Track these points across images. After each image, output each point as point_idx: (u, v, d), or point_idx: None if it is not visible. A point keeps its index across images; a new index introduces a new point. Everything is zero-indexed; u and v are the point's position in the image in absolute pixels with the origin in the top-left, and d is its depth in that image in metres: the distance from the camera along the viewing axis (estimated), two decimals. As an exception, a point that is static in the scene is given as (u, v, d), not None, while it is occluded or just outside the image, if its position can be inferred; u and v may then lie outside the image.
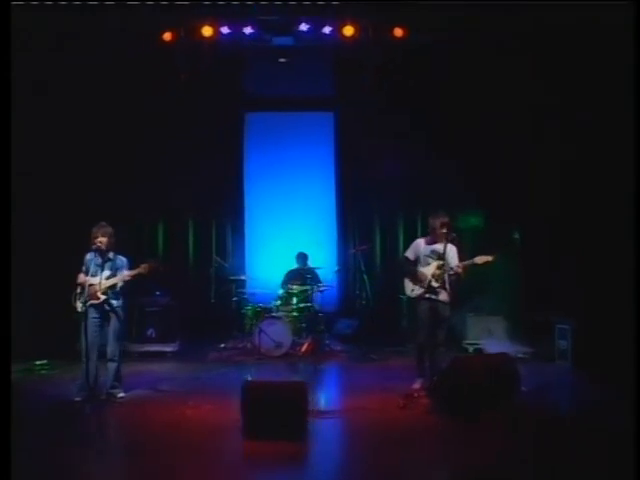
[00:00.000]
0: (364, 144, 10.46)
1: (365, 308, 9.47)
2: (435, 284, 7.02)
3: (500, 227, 9.62)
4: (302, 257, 10.16)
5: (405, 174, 10.26)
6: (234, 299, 9.80)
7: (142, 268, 6.79)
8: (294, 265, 10.21)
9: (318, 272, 10.07)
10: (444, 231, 6.99)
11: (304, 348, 9.17)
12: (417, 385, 7.14)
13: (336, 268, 10.39)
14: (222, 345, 9.49)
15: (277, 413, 5.49)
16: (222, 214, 10.83)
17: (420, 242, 7.22)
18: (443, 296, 7.08)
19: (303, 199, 10.92)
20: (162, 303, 9.59)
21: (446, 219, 6.99)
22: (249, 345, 9.24)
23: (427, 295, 6.97)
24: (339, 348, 9.70)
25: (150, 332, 9.47)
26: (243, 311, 9.59)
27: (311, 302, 9.68)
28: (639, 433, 4.62)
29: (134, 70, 8.77)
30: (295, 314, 9.50)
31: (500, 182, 9.11)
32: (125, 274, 6.81)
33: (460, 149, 9.46)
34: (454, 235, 6.99)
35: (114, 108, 9.17)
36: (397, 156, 10.07)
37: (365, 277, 9.35)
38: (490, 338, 9.00)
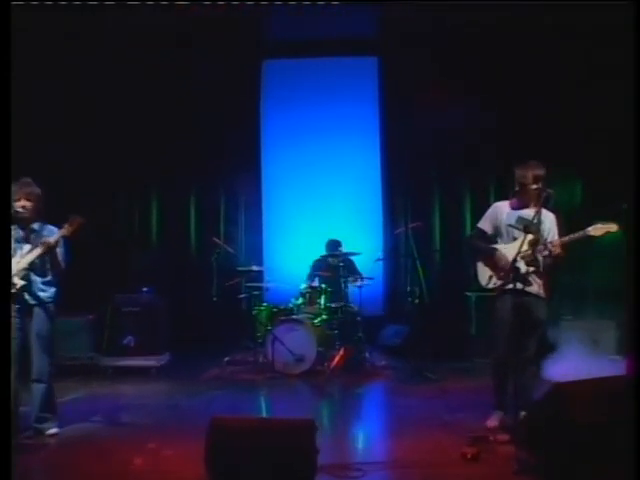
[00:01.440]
0: (417, 97, 8.99)
1: (419, 309, 7.79)
2: (524, 269, 5.18)
3: (602, 196, 7.84)
4: (334, 245, 8.50)
5: (471, 133, 8.73)
6: (243, 296, 8.20)
7: (64, 230, 5.08)
8: (323, 253, 8.59)
9: (355, 261, 8.50)
10: (538, 187, 5.11)
11: (335, 363, 7.50)
12: (494, 422, 5.39)
13: (379, 255, 8.47)
14: (226, 359, 7.96)
15: (264, 470, 3.57)
16: (233, 188, 9.46)
17: (501, 206, 5.46)
18: (536, 287, 5.29)
19: (337, 168, 9.47)
20: (145, 301, 8.04)
21: (541, 171, 5.20)
22: (261, 359, 7.72)
23: (512, 286, 5.12)
24: (383, 363, 8.05)
25: (128, 340, 7.84)
26: (254, 312, 7.98)
27: (345, 301, 8.10)
28: None
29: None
30: (323, 317, 7.93)
31: (598, 138, 7.55)
32: (40, 246, 5.05)
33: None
34: (550, 192, 4.94)
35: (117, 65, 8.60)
36: (459, 111, 8.42)
37: (419, 267, 7.62)
38: (595, 353, 6.99)
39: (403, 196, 9.32)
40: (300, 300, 8.05)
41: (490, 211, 5.52)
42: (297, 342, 7.43)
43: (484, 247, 5.46)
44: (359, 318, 7.99)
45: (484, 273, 5.47)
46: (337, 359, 7.54)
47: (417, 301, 7.69)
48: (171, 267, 9.07)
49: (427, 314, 7.91)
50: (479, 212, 8.18)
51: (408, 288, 7.96)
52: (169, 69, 8.97)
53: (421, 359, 7.55)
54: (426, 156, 9.20)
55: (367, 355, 7.90)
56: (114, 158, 8.87)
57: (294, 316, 7.87)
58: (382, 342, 8.77)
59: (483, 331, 8.07)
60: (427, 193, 9.28)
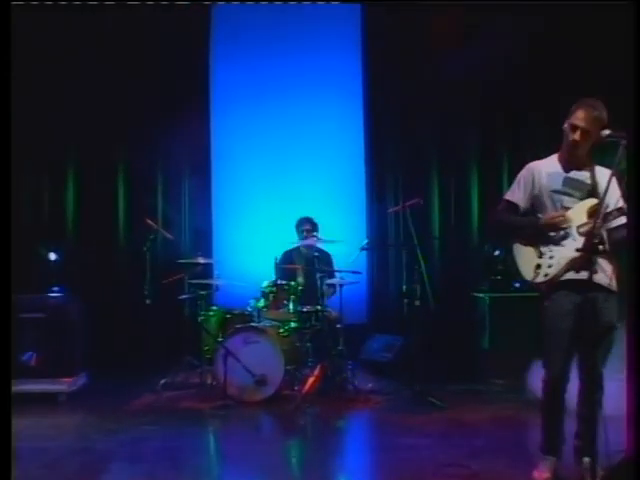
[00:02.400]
0: (407, 47, 8.27)
1: (417, 314, 6.59)
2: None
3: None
4: (307, 226, 7.41)
5: (477, 87, 8.00)
6: (185, 298, 7.13)
7: None
8: (294, 240, 7.51)
9: (332, 252, 7.45)
10: (608, 134, 3.92)
11: (308, 387, 6.34)
12: (544, 473, 4.28)
13: (365, 242, 7.33)
14: (162, 381, 6.82)
15: None
16: (174, 156, 8.39)
17: (539, 168, 4.42)
18: (603, 276, 4.18)
19: (309, 134, 8.50)
20: (53, 305, 6.89)
21: (602, 112, 4.22)
22: (210, 381, 6.75)
23: (571, 275, 4.15)
24: (370, 386, 6.89)
25: (28, 357, 6.64)
26: (200, 319, 6.90)
27: (321, 304, 6.90)
28: None
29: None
30: (293, 325, 6.82)
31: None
32: None
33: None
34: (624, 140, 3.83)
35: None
36: (460, 62, 7.52)
37: (420, 258, 6.45)
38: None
39: (392, 168, 8.37)
40: (262, 302, 6.82)
41: (523, 176, 4.44)
42: (258, 358, 6.37)
43: (527, 221, 4.35)
44: (339, 326, 6.77)
45: (529, 261, 4.31)
46: (311, 381, 6.35)
47: (417, 303, 6.48)
48: (89, 259, 8.07)
49: (430, 321, 6.77)
50: (488, 188, 7.95)
51: (404, 286, 6.73)
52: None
53: (420, 380, 6.43)
54: (421, 118, 8.24)
55: (349, 375, 6.72)
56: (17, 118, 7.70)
57: (254, 324, 6.70)
58: (367, 357, 7.64)
59: (500, 344, 7.10)
60: (422, 164, 8.31)
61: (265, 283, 6.90)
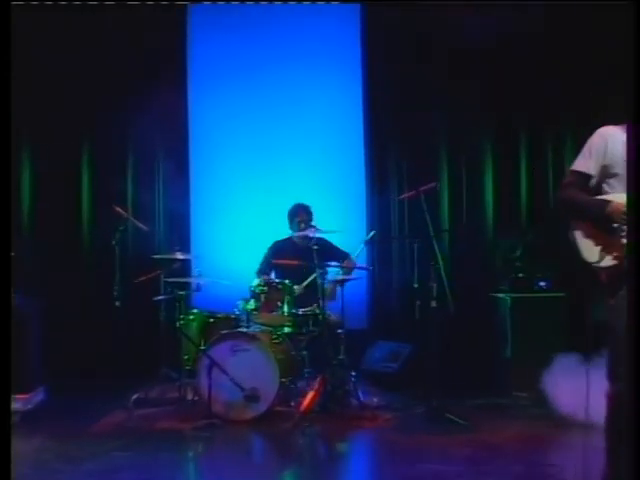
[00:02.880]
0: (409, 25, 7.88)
1: (431, 317, 6.03)
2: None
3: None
4: (302, 215, 6.89)
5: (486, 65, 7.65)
6: (161, 299, 6.62)
7: None
8: (286, 231, 7.05)
9: (332, 242, 6.94)
10: None
11: (306, 403, 5.80)
12: None
13: (371, 234, 6.79)
14: (134, 396, 6.30)
15: None
16: (147, 135, 7.86)
17: (614, 134, 3.91)
18: None
19: (302, 111, 8.10)
20: None
21: None
22: (191, 396, 6.25)
23: None
24: (375, 401, 6.35)
25: None
26: (179, 324, 6.35)
27: (319, 306, 6.35)
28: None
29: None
30: (287, 330, 6.31)
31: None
32: None
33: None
34: None
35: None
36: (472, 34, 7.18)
37: (437, 251, 5.93)
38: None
39: (395, 151, 7.93)
40: (252, 304, 6.24)
41: (594, 142, 3.90)
42: (248, 369, 5.83)
43: (591, 201, 3.80)
44: (341, 331, 6.25)
45: (595, 239, 3.78)
46: (310, 396, 5.78)
47: (434, 304, 5.91)
48: (47, 255, 7.61)
49: (446, 325, 6.22)
50: (504, 174, 7.65)
51: (415, 285, 6.20)
52: None
53: (434, 393, 5.88)
54: (427, 94, 7.77)
55: (352, 388, 6.19)
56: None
57: (242, 329, 6.13)
58: (368, 368, 7.14)
59: (523, 351, 6.57)
60: (430, 148, 7.86)
61: (255, 282, 6.33)
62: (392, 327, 7.61)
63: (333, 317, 6.46)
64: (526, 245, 6.86)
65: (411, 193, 6.23)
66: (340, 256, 6.83)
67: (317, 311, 6.32)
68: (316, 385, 5.89)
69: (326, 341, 6.19)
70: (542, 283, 6.66)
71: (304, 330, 6.31)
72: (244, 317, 6.28)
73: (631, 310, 3.52)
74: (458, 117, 7.82)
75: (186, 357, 6.30)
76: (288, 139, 7.99)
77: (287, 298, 6.21)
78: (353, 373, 6.28)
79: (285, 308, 6.21)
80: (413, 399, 6.28)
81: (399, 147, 7.98)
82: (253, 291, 6.27)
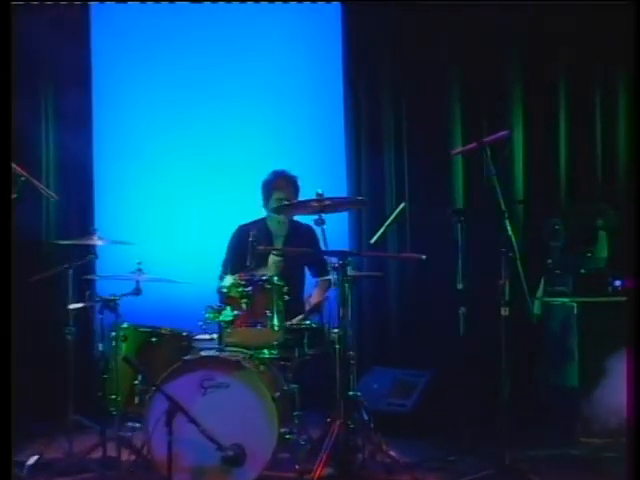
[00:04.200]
0: None
1: (501, 329, 4.81)
2: None
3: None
4: (284, 187, 5.73)
5: None
6: (79, 308, 5.19)
7: None
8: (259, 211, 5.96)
9: (320, 242, 5.47)
10: None
11: (321, 467, 4.49)
12: None
13: (401, 206, 5.51)
14: (30, 461, 4.95)
15: None
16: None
17: None
18: None
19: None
20: None
21: None
22: (129, 455, 4.93)
23: None
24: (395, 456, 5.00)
25: None
26: (101, 345, 5.12)
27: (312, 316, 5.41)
28: None
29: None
30: (267, 353, 4.99)
31: None
32: None
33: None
34: None
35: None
36: None
37: (510, 231, 4.71)
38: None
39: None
40: (227, 314, 4.70)
41: None
42: (228, 417, 4.47)
43: None
44: (352, 353, 4.82)
45: None
46: (322, 464, 4.42)
47: (505, 313, 4.61)
48: None
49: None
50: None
51: (459, 285, 4.92)
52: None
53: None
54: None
55: (374, 439, 4.87)
56: None
57: (215, 352, 4.75)
58: (378, 407, 5.91)
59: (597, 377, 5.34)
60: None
61: (228, 280, 4.79)
62: (397, 347, 6.48)
63: (335, 332, 5.03)
64: (599, 228, 5.70)
65: (470, 146, 4.89)
66: (319, 269, 5.58)
67: (314, 324, 5.01)
68: (330, 437, 4.47)
69: (332, 368, 4.78)
70: (617, 282, 5.48)
71: (297, 352, 4.91)
72: (213, 334, 4.82)
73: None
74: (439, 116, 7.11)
75: (113, 396, 4.83)
76: (250, 85, 7.22)
77: (277, 305, 4.74)
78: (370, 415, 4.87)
79: (275, 320, 4.72)
80: (455, 452, 5.08)
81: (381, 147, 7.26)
82: (227, 294, 4.74)
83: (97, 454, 4.88)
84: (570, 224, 5.88)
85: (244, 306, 4.73)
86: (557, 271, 5.79)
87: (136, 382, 4.84)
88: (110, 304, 4.90)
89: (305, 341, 4.98)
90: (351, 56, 7.40)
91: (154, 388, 4.43)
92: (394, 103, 7.25)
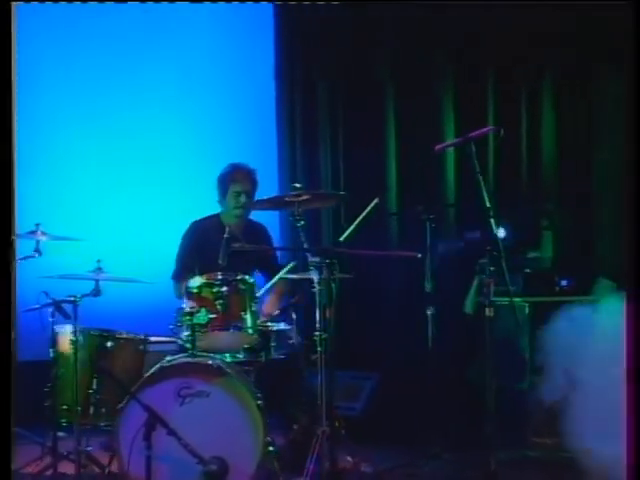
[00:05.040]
0: None
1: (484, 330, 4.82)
2: None
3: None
4: (242, 181, 5.37)
5: None
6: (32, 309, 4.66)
7: None
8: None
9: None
10: None
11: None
12: None
13: (373, 202, 5.16)
14: None
15: None
16: None
17: None
18: None
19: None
20: None
21: None
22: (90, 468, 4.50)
23: None
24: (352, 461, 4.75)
25: None
26: (54, 351, 4.58)
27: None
28: None
29: None
30: (228, 357, 4.67)
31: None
32: None
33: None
34: None
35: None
36: None
37: (495, 229, 4.58)
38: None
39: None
40: (202, 316, 4.31)
41: None
42: (209, 429, 4.09)
43: None
44: (316, 357, 4.45)
45: None
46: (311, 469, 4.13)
47: (490, 313, 4.50)
48: None
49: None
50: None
51: (427, 285, 4.76)
52: None
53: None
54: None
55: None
56: None
57: (187, 358, 4.32)
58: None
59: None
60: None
61: (198, 280, 4.39)
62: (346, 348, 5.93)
63: (292, 335, 4.76)
64: (544, 228, 5.64)
65: (456, 141, 4.70)
66: (271, 271, 5.18)
67: (281, 326, 4.64)
68: (314, 447, 4.13)
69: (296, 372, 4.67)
70: (564, 282, 5.41)
71: (263, 356, 4.57)
72: (184, 339, 4.36)
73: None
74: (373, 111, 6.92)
75: (64, 407, 4.36)
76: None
77: (251, 306, 4.39)
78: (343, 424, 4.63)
79: (249, 322, 4.37)
80: (414, 456, 4.95)
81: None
82: (198, 294, 4.33)
83: (43, 469, 4.37)
84: (515, 225, 5.81)
85: (219, 307, 4.32)
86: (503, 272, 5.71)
87: (91, 391, 4.34)
88: (62, 307, 4.33)
89: (272, 344, 4.59)
90: (284, 53, 7.12)
91: (127, 397, 4.00)
92: (329, 100, 7.02)
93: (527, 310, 5.40)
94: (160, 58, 7.04)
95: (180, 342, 4.49)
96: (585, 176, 6.36)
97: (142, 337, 4.58)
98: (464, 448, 5.03)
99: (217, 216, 5.21)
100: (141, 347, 4.51)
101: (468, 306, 5.69)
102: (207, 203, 5.41)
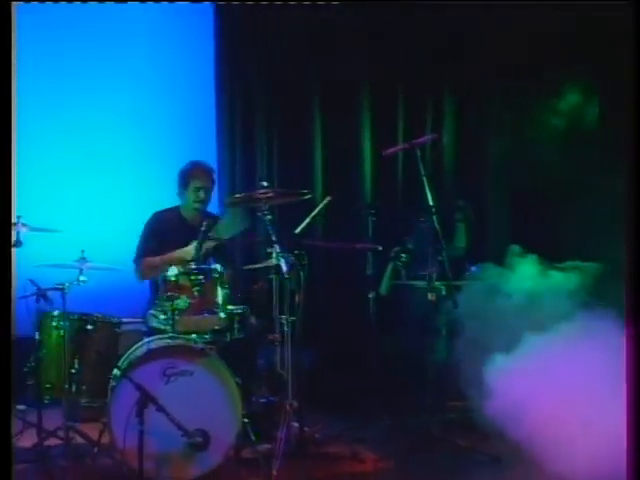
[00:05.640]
0: None
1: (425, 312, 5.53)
2: None
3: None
4: (201, 178, 5.59)
5: None
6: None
7: None
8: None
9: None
10: None
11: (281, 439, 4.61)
12: None
13: (325, 201, 5.56)
14: None
15: None
16: None
17: None
18: None
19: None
20: None
21: None
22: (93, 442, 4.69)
23: None
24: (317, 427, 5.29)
25: None
26: (39, 335, 4.73)
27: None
28: None
29: None
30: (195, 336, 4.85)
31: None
32: None
33: None
34: None
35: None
36: None
37: (436, 225, 5.09)
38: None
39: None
40: (183, 301, 4.67)
41: None
42: (193, 404, 4.36)
43: None
44: (277, 336, 4.97)
45: None
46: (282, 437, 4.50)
47: (432, 297, 5.10)
48: None
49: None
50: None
51: (369, 271, 5.23)
52: None
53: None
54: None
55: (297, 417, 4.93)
56: None
57: (177, 341, 4.60)
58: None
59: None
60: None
61: (174, 270, 4.71)
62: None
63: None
64: (458, 221, 6.19)
65: (402, 146, 5.11)
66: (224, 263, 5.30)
67: (241, 310, 4.94)
68: (285, 418, 4.60)
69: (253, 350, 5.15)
70: (473, 268, 5.92)
71: (228, 337, 4.90)
72: (162, 322, 4.73)
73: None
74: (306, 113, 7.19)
75: (48, 385, 4.61)
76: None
77: (223, 292, 4.76)
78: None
79: (221, 306, 4.76)
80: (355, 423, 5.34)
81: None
82: (175, 282, 4.66)
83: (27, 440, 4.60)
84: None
85: (196, 294, 4.68)
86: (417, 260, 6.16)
87: (73, 370, 4.59)
88: (47, 294, 4.57)
89: (235, 326, 4.92)
90: (222, 54, 7.15)
91: (119, 377, 4.29)
92: (265, 102, 7.11)
93: (443, 292, 5.93)
94: (107, 57, 7.04)
95: (154, 324, 4.82)
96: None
97: (117, 320, 4.83)
98: (401, 414, 5.44)
99: (177, 208, 5.48)
100: (116, 329, 4.77)
101: (383, 288, 6.21)
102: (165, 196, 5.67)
